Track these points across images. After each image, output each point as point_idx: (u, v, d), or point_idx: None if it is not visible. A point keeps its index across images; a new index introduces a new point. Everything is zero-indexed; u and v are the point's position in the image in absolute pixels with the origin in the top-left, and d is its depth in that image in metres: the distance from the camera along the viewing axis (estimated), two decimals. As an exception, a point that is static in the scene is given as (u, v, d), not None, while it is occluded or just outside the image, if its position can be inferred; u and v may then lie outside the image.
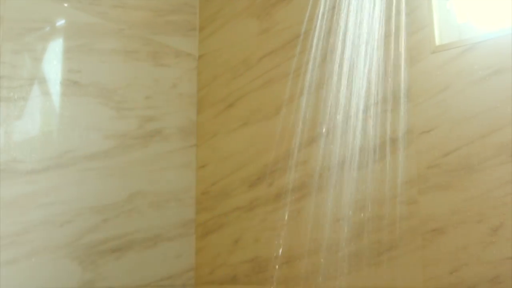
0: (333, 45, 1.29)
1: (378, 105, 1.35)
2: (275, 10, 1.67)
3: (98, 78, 1.55)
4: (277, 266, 1.47)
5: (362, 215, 1.37)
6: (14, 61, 1.38)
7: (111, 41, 1.60)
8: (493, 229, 1.21)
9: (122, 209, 1.54)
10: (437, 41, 1.36)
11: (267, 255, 1.52)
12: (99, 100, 1.55)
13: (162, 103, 1.70)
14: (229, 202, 1.65)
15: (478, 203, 1.24)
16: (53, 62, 1.46)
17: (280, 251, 1.41)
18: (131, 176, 1.58)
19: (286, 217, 1.45)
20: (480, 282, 1.21)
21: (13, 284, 1.33)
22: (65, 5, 1.51)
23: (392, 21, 1.34)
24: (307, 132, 1.41)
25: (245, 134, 1.65)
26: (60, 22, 1.50)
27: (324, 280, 1.31)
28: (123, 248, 1.53)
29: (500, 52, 1.25)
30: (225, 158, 1.69)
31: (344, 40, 1.27)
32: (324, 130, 1.34)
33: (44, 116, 1.43)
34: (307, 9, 1.32)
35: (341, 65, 1.27)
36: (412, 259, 1.32)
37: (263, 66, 1.65)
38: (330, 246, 1.32)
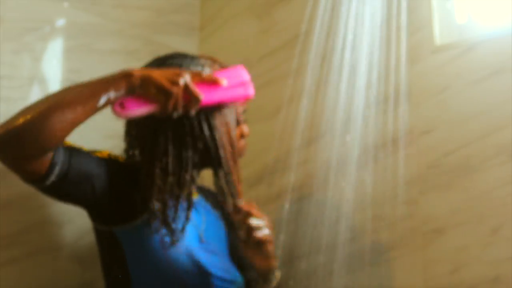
0: (333, 45, 1.29)
1: (378, 105, 1.35)
2: (275, 10, 1.66)
3: (98, 78, 1.55)
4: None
5: (362, 215, 1.37)
6: (14, 61, 1.38)
7: (111, 41, 1.60)
8: (493, 229, 1.21)
9: (122, 209, 1.54)
10: (437, 41, 1.36)
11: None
12: (99, 100, 1.54)
13: (162, 103, 1.70)
14: (229, 202, 1.64)
15: (478, 203, 1.24)
16: (52, 62, 1.46)
17: (280, 251, 1.40)
18: (131, 176, 1.58)
19: (286, 217, 1.44)
20: (480, 282, 1.21)
21: (13, 284, 1.33)
22: (65, 5, 1.51)
23: (392, 21, 1.34)
24: (307, 132, 1.41)
25: (245, 134, 1.65)
26: (60, 22, 1.50)
27: (324, 280, 1.31)
28: (123, 248, 1.52)
29: (500, 52, 1.24)
30: (225, 158, 1.68)
31: (344, 40, 1.27)
32: (324, 130, 1.34)
33: (44, 116, 1.43)
34: (307, 9, 1.32)
35: (341, 65, 1.27)
36: (412, 259, 1.32)
37: (263, 66, 1.65)
38: (330, 246, 1.32)
